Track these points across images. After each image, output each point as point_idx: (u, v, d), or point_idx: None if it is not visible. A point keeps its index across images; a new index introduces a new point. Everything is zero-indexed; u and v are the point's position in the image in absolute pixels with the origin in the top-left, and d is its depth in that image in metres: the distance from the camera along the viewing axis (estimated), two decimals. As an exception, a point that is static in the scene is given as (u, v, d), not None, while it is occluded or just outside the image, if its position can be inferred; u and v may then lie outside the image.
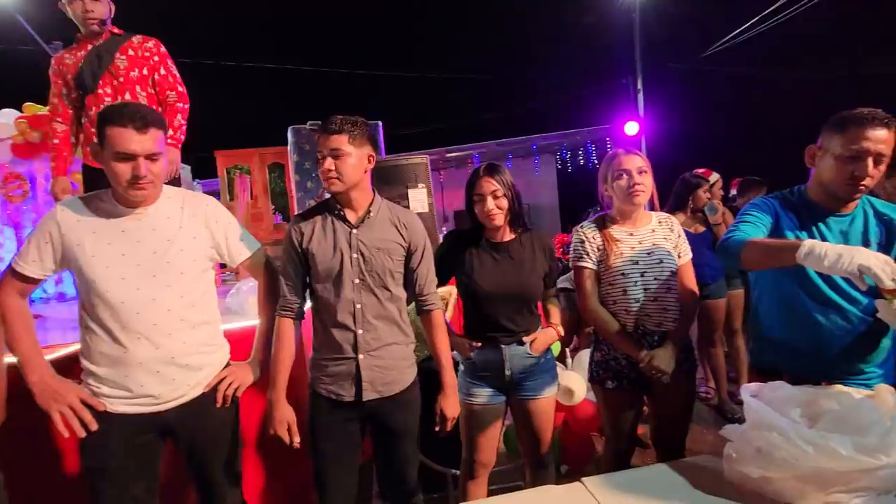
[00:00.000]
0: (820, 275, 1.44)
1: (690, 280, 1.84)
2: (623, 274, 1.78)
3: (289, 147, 5.26)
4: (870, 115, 1.37)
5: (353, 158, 1.52)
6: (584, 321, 3.04)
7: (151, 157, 1.35)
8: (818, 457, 1.00)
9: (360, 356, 1.56)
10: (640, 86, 11.36)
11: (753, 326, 1.70)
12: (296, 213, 5.27)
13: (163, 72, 2.43)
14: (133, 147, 1.31)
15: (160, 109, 2.50)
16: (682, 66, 11.85)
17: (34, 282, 1.41)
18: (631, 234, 1.83)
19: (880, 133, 1.36)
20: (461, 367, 1.89)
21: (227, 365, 1.58)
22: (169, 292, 1.42)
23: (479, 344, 1.81)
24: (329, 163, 1.50)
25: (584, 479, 1.29)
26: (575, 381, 2.46)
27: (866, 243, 1.42)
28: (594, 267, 1.84)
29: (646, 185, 1.79)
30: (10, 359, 1.41)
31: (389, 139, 6.10)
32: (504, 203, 1.76)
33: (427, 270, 1.67)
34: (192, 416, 1.47)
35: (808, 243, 1.25)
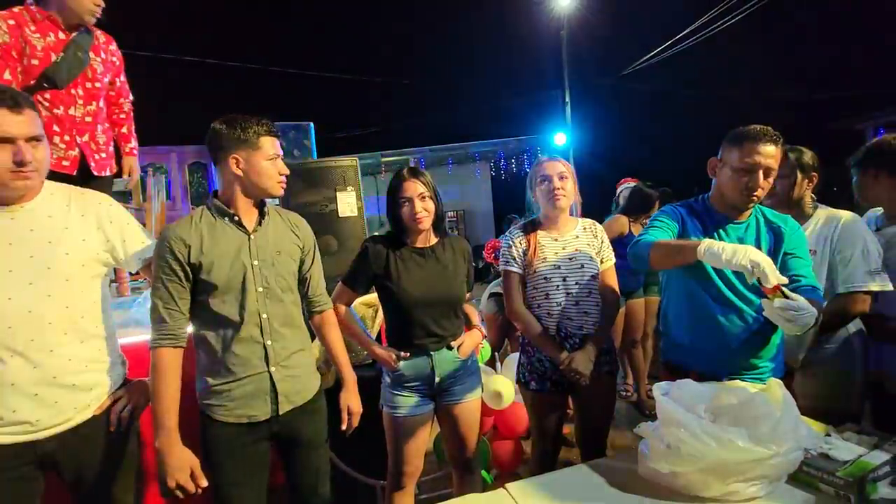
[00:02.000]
0: (721, 278, 1.56)
1: (612, 284, 1.92)
2: (545, 278, 1.84)
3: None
4: (761, 131, 1.51)
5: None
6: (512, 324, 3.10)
7: (33, 141, 1.19)
8: (719, 449, 1.07)
9: (272, 368, 1.45)
10: (567, 98, 11.90)
11: (663, 327, 1.82)
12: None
13: (122, 78, 2.36)
14: (11, 130, 1.15)
15: (113, 115, 2.38)
16: (606, 81, 12.58)
17: None
18: (555, 240, 1.89)
19: (769, 148, 1.50)
20: (385, 377, 1.84)
21: (124, 384, 1.41)
22: (50, 302, 1.23)
23: (407, 354, 1.77)
24: (283, 166, 1.46)
25: (507, 485, 1.29)
26: (503, 384, 2.49)
27: (758, 248, 1.55)
28: (520, 271, 1.88)
29: (567, 190, 1.85)
30: None
31: (321, 142, 5.94)
32: (431, 205, 1.75)
33: (319, 272, 1.65)
34: (78, 445, 1.28)
35: (706, 242, 1.39)
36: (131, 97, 2.45)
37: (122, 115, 2.43)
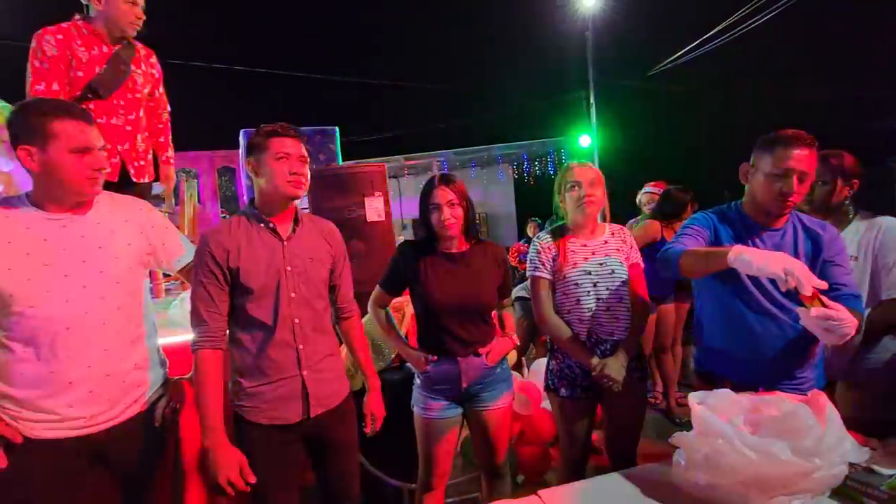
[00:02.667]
0: (755, 285, 1.52)
1: (642, 290, 1.89)
2: (576, 283, 1.82)
3: (241, 151, 5.09)
4: (795, 136, 1.47)
5: (307, 166, 1.51)
6: (540, 330, 3.08)
7: (102, 150, 1.31)
8: (760, 462, 1.04)
9: (305, 372, 1.49)
10: (592, 100, 11.76)
11: (696, 335, 1.78)
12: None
13: (161, 90, 2.45)
14: (91, 140, 1.27)
15: (152, 125, 2.48)
16: (632, 83, 12.39)
17: None
18: (584, 245, 1.87)
19: (804, 152, 1.46)
20: (416, 379, 1.86)
21: (165, 382, 1.47)
22: (103, 304, 1.30)
23: (435, 357, 1.79)
24: (300, 165, 1.46)
25: (539, 491, 1.29)
26: (530, 389, 2.48)
27: (796, 256, 1.51)
28: (549, 276, 1.87)
29: (597, 196, 1.83)
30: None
31: (346, 146, 6.02)
32: (459, 212, 1.76)
33: (348, 279, 1.69)
34: (125, 440, 1.35)
35: (737, 248, 1.35)
36: (169, 108, 2.54)
37: (161, 125, 2.52)
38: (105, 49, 2.16)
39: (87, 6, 2.15)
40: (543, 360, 2.49)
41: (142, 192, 2.35)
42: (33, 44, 2.07)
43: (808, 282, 1.22)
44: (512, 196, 14.37)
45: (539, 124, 13.10)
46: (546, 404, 2.69)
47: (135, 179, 2.31)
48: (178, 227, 4.49)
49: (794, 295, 1.29)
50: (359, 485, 1.66)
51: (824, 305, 1.23)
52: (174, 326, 2.31)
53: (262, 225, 1.49)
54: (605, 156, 11.79)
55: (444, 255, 1.81)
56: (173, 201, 4.96)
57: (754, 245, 1.55)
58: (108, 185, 2.20)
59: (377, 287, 1.89)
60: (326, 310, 1.58)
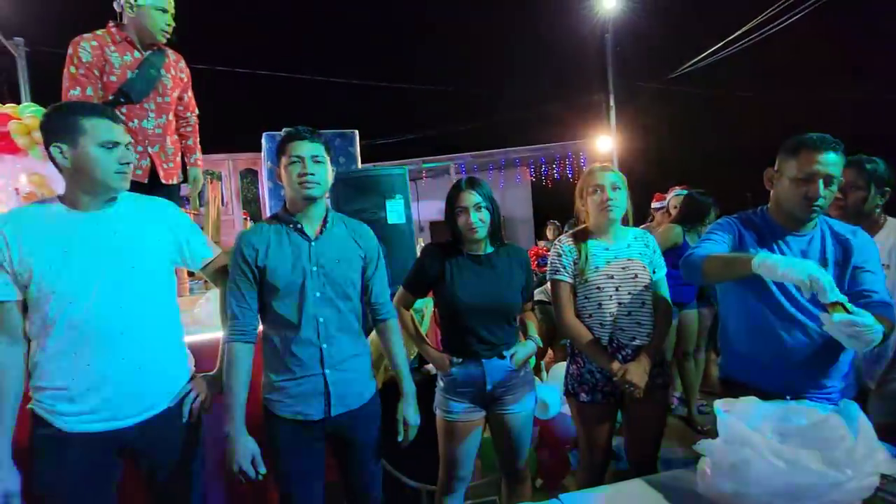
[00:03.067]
0: (781, 292, 1.49)
1: (665, 295, 1.87)
2: (598, 288, 1.81)
3: (263, 153, 5.18)
4: (819, 139, 1.45)
5: (328, 167, 1.55)
6: (560, 333, 3.06)
7: (130, 145, 1.37)
8: (789, 472, 1.02)
9: (327, 371, 1.52)
10: (612, 103, 11.65)
11: (721, 341, 1.75)
12: (268, 220, 5.18)
13: (189, 94, 2.53)
14: (119, 136, 1.33)
15: (181, 128, 2.56)
16: (652, 85, 12.24)
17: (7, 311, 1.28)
18: (607, 249, 1.86)
19: (830, 157, 1.43)
20: (439, 382, 1.86)
21: (192, 378, 1.51)
22: (137, 299, 1.35)
23: (460, 360, 1.80)
24: (312, 167, 1.49)
25: (561, 495, 1.28)
26: (550, 393, 2.47)
27: (824, 262, 1.49)
28: (570, 280, 1.86)
29: (619, 200, 1.82)
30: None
31: (365, 149, 6.07)
32: (486, 216, 1.77)
33: (381, 280, 1.68)
34: (155, 434, 1.39)
35: (762, 254, 1.33)
36: (197, 111, 2.60)
37: (189, 129, 2.59)
38: (137, 55, 2.23)
39: (121, 14, 2.23)
40: (563, 365, 2.47)
41: (170, 193, 2.41)
42: (70, 50, 2.15)
43: (830, 289, 1.20)
44: (529, 199, 14.30)
45: (558, 127, 13.01)
46: (565, 409, 2.67)
47: (164, 181, 2.38)
48: (203, 228, 4.58)
49: (818, 301, 1.27)
50: (380, 486, 1.68)
51: (848, 311, 1.21)
52: (199, 324, 2.36)
53: (290, 226, 1.53)
54: (624, 159, 11.66)
55: (469, 256, 1.82)
56: (198, 202, 5.07)
57: (780, 251, 1.53)
58: (139, 187, 2.28)
59: (401, 288, 1.90)
60: (353, 310, 1.60)
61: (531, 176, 13.46)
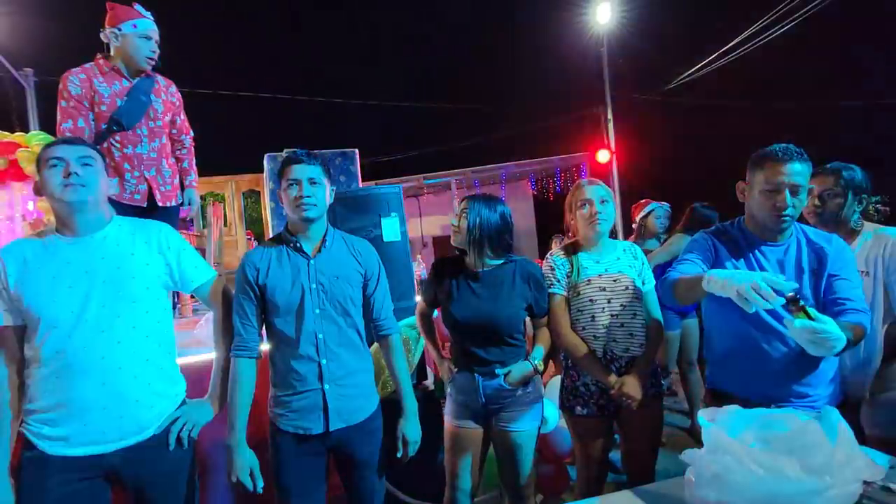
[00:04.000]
0: None
1: (655, 307, 1.89)
2: (591, 300, 1.83)
3: (265, 174, 5.27)
4: (783, 150, 1.48)
5: (326, 188, 1.59)
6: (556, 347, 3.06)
7: (83, 160, 1.38)
8: (769, 479, 1.03)
9: (326, 386, 1.55)
10: (610, 115, 11.75)
11: (707, 352, 1.77)
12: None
13: (182, 116, 2.57)
14: (59, 154, 1.35)
15: (176, 151, 2.59)
16: (650, 97, 12.33)
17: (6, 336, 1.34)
18: (597, 262, 1.88)
19: (795, 167, 1.46)
20: (448, 388, 1.93)
21: (183, 403, 1.51)
22: (120, 323, 1.36)
23: (456, 370, 1.87)
24: (308, 189, 1.53)
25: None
26: (547, 407, 2.47)
27: (800, 271, 1.52)
28: (564, 293, 1.88)
29: (607, 213, 1.85)
30: None
31: (366, 167, 6.17)
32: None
33: (383, 295, 1.70)
34: (140, 460, 1.37)
35: (709, 272, 1.35)
36: (192, 133, 2.66)
37: (184, 151, 2.63)
38: (125, 83, 2.29)
39: (108, 45, 2.31)
40: (559, 378, 2.48)
41: (168, 215, 2.45)
42: (60, 85, 2.23)
43: (769, 294, 1.20)
44: (532, 213, 14.37)
45: (558, 141, 13.11)
46: (563, 423, 2.67)
47: (161, 204, 2.42)
48: (205, 249, 4.62)
49: (787, 307, 1.27)
50: (382, 501, 1.69)
51: (811, 318, 1.23)
52: (201, 344, 2.40)
53: (290, 245, 1.59)
54: (624, 171, 11.72)
55: (470, 273, 1.85)
56: (201, 224, 5.15)
57: (756, 261, 1.56)
58: (138, 210, 2.33)
59: (419, 297, 2.06)
60: (353, 326, 1.62)
61: (533, 189, 13.54)
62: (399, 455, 1.67)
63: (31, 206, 5.28)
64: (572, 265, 1.88)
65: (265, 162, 5.20)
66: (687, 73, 11.26)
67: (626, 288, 1.84)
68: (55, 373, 1.30)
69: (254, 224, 7.36)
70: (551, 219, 11.31)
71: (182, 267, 1.53)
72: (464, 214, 1.82)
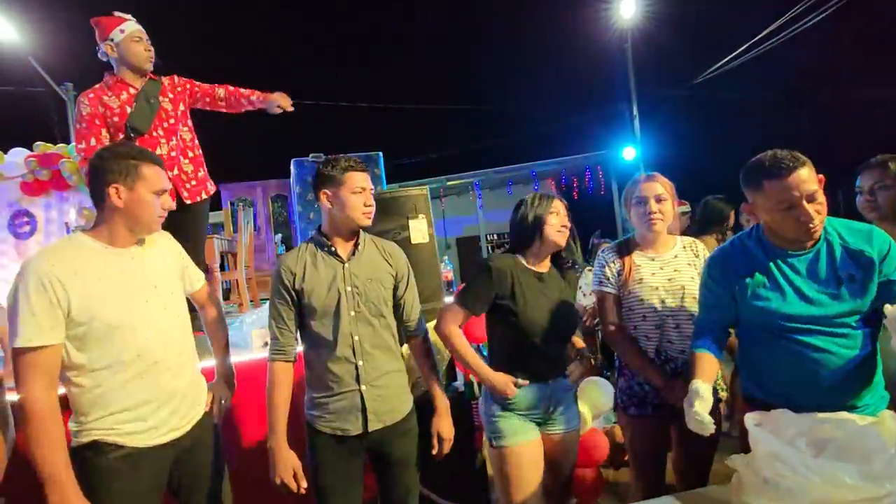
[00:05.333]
0: (790, 307, 1.37)
1: None
2: (641, 299, 1.78)
3: (292, 179, 5.35)
4: (777, 164, 1.30)
5: None
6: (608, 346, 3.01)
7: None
8: (824, 486, 0.99)
9: (363, 387, 1.58)
10: (636, 112, 11.54)
11: (742, 358, 1.60)
12: (299, 242, 5.33)
13: (197, 90, 2.54)
14: (166, 183, 1.48)
15: (219, 102, 2.57)
16: (676, 92, 12.07)
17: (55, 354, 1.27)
18: (652, 260, 1.83)
19: (801, 174, 1.28)
20: (491, 407, 1.75)
21: (209, 388, 1.64)
22: (176, 324, 1.49)
23: (527, 382, 1.71)
24: (371, 198, 1.61)
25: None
26: (584, 408, 2.43)
27: (836, 280, 1.35)
28: (615, 291, 1.82)
29: (664, 212, 1.78)
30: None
31: (391, 169, 6.21)
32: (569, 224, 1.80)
33: (413, 297, 1.74)
34: (199, 436, 1.52)
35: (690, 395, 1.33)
36: (219, 87, 2.57)
37: (224, 94, 2.55)
38: (132, 91, 2.36)
39: (108, 62, 2.38)
40: (591, 380, 2.44)
41: (197, 213, 2.49)
42: (76, 108, 2.34)
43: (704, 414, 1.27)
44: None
45: (582, 139, 12.96)
46: (597, 423, 2.63)
47: (188, 201, 2.45)
48: (236, 253, 4.70)
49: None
50: (417, 502, 1.69)
51: None
52: (232, 347, 2.45)
53: (324, 249, 1.61)
54: (651, 168, 11.48)
55: (534, 273, 1.78)
56: (231, 228, 5.27)
57: (785, 276, 1.38)
58: (168, 212, 2.38)
59: (456, 306, 1.76)
60: (387, 327, 1.65)
61: (557, 189, 13.40)
62: (434, 453, 1.68)
63: (73, 215, 5.51)
64: (624, 263, 1.82)
65: (292, 167, 5.28)
66: (716, 66, 10.96)
67: (683, 287, 1.77)
68: (141, 373, 1.38)
69: (281, 228, 7.49)
70: (577, 218, 11.17)
71: (190, 269, 1.64)
72: (567, 214, 1.81)
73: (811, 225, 1.31)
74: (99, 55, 2.38)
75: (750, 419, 1.19)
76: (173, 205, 1.50)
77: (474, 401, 2.35)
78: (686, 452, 1.83)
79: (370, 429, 1.57)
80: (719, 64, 10.98)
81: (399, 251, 1.74)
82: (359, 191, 1.58)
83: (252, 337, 2.41)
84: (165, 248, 1.56)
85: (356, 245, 1.64)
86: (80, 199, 5.39)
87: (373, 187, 1.64)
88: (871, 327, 1.35)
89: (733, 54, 10.62)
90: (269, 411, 1.55)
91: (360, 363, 1.58)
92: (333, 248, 1.61)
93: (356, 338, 1.58)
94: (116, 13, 2.35)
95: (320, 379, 1.59)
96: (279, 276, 1.58)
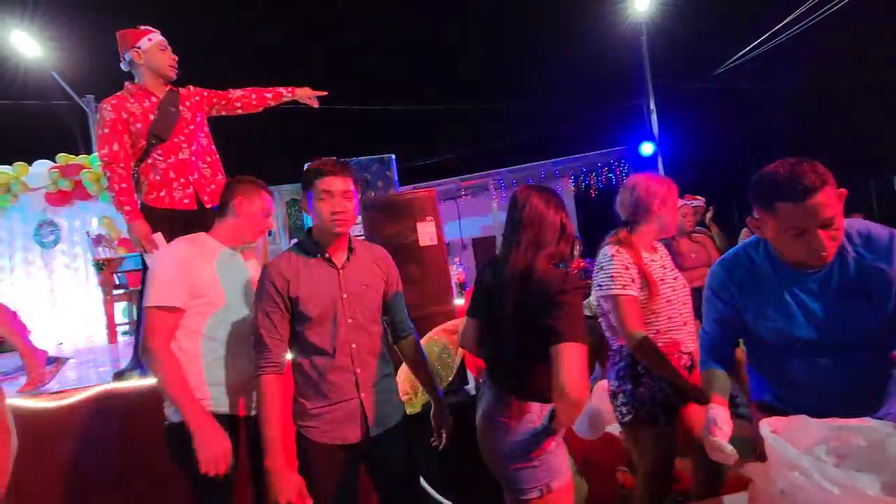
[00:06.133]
0: (805, 323, 1.29)
1: None
2: (668, 300, 1.77)
3: (305, 184, 5.39)
4: (794, 183, 1.15)
5: (356, 200, 1.58)
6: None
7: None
8: (843, 498, 0.93)
9: (362, 394, 1.55)
10: (653, 106, 11.33)
11: (752, 359, 1.51)
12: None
13: (214, 99, 2.61)
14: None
15: (236, 107, 2.65)
16: (694, 85, 11.80)
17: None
18: (654, 260, 1.81)
19: (819, 197, 1.13)
20: (540, 438, 1.44)
21: None
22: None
23: None
24: (341, 204, 1.50)
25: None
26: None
27: (853, 298, 1.24)
28: (637, 294, 1.75)
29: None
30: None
31: (405, 171, 6.20)
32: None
33: (400, 298, 1.73)
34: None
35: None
36: (235, 92, 2.68)
37: (240, 95, 2.65)
38: (154, 99, 2.43)
39: (130, 72, 2.45)
40: (604, 382, 2.38)
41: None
42: (98, 115, 2.40)
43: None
44: (573, 210, 14.08)
45: (598, 135, 12.77)
46: (612, 429, 2.56)
47: (208, 205, 2.49)
48: (254, 258, 4.77)
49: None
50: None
51: None
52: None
53: (318, 255, 1.55)
54: (671, 164, 11.25)
55: None
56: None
57: (795, 297, 1.28)
58: (190, 214, 2.43)
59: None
60: (380, 333, 1.64)
61: (573, 187, 13.24)
62: (436, 443, 1.73)
63: (94, 224, 5.66)
64: (639, 264, 1.76)
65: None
66: (736, 57, 10.68)
67: (684, 286, 1.82)
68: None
69: (296, 232, 7.58)
70: (594, 216, 11.03)
71: None
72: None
73: (823, 253, 1.18)
74: (122, 65, 2.46)
75: (765, 426, 1.13)
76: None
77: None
78: (701, 459, 1.72)
79: (372, 434, 1.55)
80: (740, 53, 10.69)
81: (387, 255, 1.72)
82: (325, 195, 1.49)
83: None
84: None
85: (349, 251, 1.59)
86: (102, 209, 5.53)
87: (349, 191, 1.52)
88: (894, 335, 1.26)
89: (755, 43, 10.34)
90: (264, 428, 1.45)
91: (359, 371, 1.55)
92: (327, 255, 1.55)
93: (354, 346, 1.54)
94: (141, 26, 2.44)
95: (317, 388, 1.53)
96: (270, 282, 1.49)
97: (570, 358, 1.27)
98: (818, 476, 0.97)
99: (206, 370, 1.58)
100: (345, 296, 1.54)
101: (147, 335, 1.52)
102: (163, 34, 2.47)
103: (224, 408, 1.59)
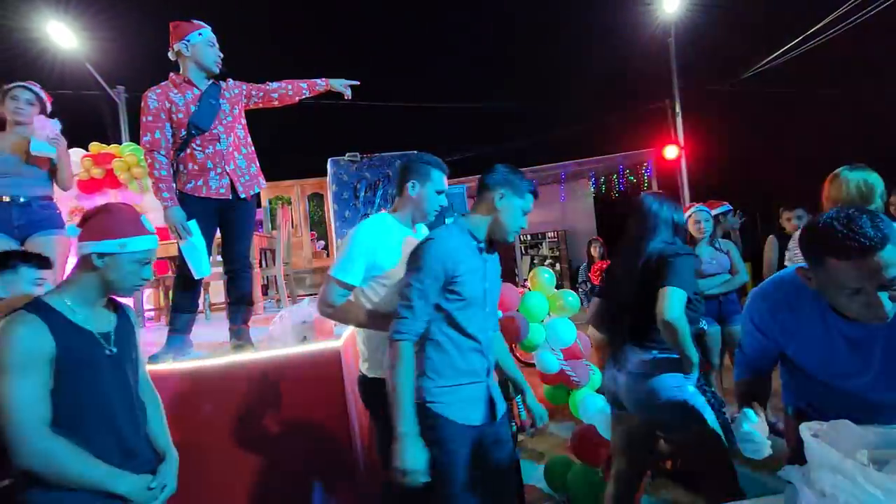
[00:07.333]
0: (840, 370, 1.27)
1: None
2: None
3: (328, 178, 5.44)
4: (849, 241, 1.03)
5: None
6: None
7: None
8: (889, 502, 0.92)
9: (490, 379, 1.70)
10: (678, 109, 11.16)
11: (783, 378, 1.51)
12: (335, 241, 5.42)
13: (254, 92, 2.65)
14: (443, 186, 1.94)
15: (273, 99, 2.69)
16: (722, 88, 11.58)
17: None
18: None
19: (884, 257, 1.01)
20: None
21: None
22: None
23: None
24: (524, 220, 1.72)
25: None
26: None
27: None
28: None
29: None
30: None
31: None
32: None
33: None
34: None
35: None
36: (273, 83, 2.72)
37: (277, 86, 2.69)
38: (196, 91, 2.49)
39: (177, 62, 2.51)
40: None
41: (248, 208, 2.63)
42: (142, 103, 2.45)
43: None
44: (592, 213, 13.95)
45: (622, 137, 12.62)
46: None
47: (243, 195, 2.57)
48: (275, 250, 4.85)
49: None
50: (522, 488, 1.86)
51: None
52: (275, 341, 2.51)
53: (475, 243, 1.64)
54: (695, 168, 11.07)
55: None
56: (270, 226, 5.41)
57: (844, 338, 1.22)
58: (224, 203, 2.49)
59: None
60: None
61: (594, 188, 13.13)
62: (532, 427, 1.89)
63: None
64: None
65: (328, 166, 5.37)
66: (765, 61, 10.45)
67: None
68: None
69: (317, 226, 7.64)
70: (615, 219, 10.92)
71: None
72: None
73: (881, 314, 1.08)
74: (170, 55, 2.52)
75: (806, 429, 1.12)
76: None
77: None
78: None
79: (497, 418, 1.68)
80: (770, 58, 10.46)
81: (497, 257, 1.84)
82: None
83: (291, 332, 2.46)
84: None
85: (489, 244, 1.71)
86: (131, 197, 5.67)
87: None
88: None
89: (786, 47, 10.11)
90: (399, 395, 1.47)
91: (490, 357, 1.69)
92: (483, 245, 1.66)
93: (489, 333, 1.68)
94: (194, 20, 2.50)
95: (454, 366, 1.58)
96: (439, 258, 1.51)
97: (667, 296, 1.71)
98: (862, 480, 0.96)
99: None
100: (487, 285, 1.66)
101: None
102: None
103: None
